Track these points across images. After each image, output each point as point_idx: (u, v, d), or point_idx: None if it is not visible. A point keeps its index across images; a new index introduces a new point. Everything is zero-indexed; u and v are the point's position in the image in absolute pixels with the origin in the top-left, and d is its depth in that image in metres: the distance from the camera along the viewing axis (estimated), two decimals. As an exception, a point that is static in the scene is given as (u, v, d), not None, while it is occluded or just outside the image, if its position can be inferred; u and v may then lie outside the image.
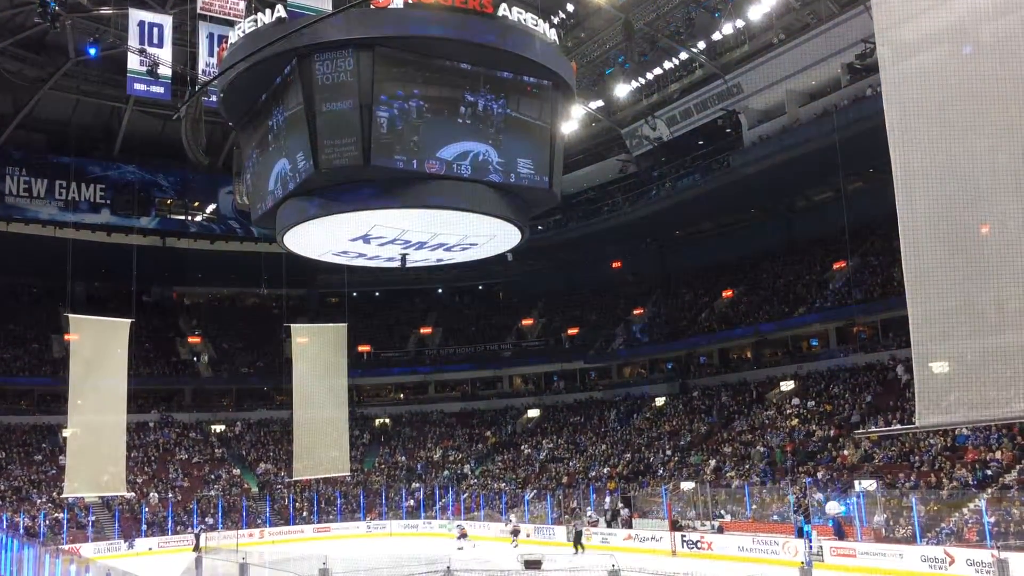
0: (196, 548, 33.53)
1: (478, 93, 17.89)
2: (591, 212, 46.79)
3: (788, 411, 35.09)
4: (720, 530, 27.86)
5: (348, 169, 17.47)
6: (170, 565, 31.40)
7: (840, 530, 24.55)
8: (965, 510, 22.84)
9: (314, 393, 31.74)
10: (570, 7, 35.38)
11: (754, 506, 28.73)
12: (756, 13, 32.69)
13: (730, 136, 40.09)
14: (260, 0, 23.98)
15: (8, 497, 37.93)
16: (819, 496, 26.64)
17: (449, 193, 18.08)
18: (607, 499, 34.13)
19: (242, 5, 22.71)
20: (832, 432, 31.71)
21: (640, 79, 39.18)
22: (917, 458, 27.04)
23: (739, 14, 33.49)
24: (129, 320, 29.86)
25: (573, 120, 36.39)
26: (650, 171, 44.48)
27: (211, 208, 48.09)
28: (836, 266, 38.85)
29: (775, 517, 27.88)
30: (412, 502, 42.02)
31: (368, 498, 42.54)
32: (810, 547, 23.44)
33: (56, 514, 36.65)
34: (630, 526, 31.35)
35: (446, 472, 45.25)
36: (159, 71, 23.82)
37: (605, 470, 38.45)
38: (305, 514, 41.23)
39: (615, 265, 52.59)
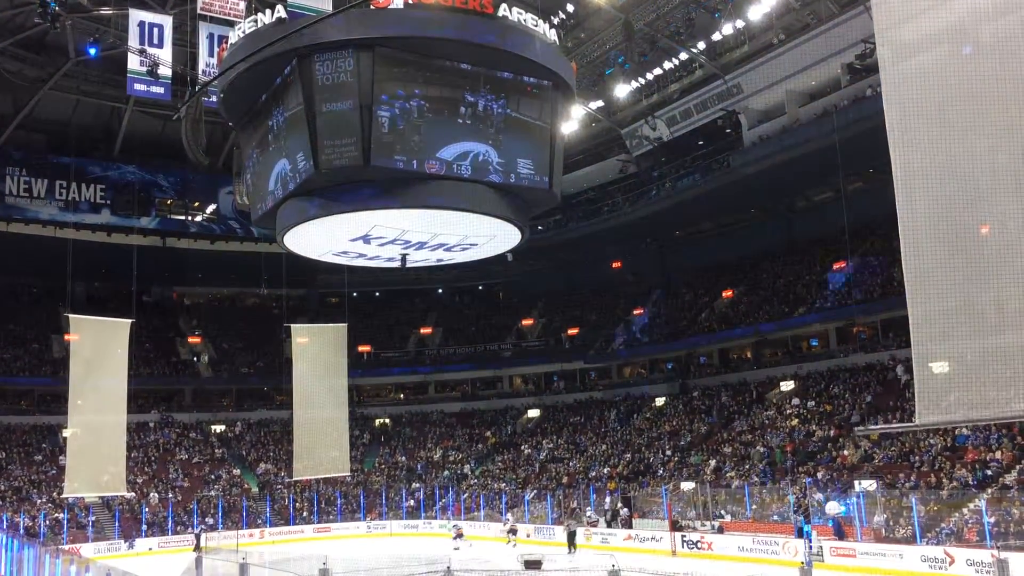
0: (196, 548, 33.52)
1: (478, 93, 17.89)
2: (591, 212, 46.80)
3: (788, 411, 35.10)
4: (720, 530, 27.87)
5: (348, 169, 17.47)
6: (170, 565, 31.41)
7: (840, 530, 24.55)
8: (965, 510, 22.84)
9: (314, 393, 31.74)
10: (570, 7, 35.38)
11: (754, 506, 28.74)
12: (756, 13, 32.69)
13: (730, 136, 40.09)
14: (260, 0, 23.98)
15: (8, 497, 37.94)
16: (819, 496, 26.64)
17: (449, 193, 18.09)
18: (607, 499, 34.13)
19: (242, 5, 22.72)
20: (832, 432, 31.71)
21: (640, 79, 39.18)
22: (917, 458, 27.05)
23: (739, 14, 33.49)
24: (129, 320, 29.86)
25: (573, 120, 36.41)
26: (650, 171, 44.48)
27: (211, 208, 48.10)
28: (836, 266, 38.84)
29: (775, 517, 27.89)
30: (412, 502, 42.03)
31: (368, 498, 42.55)
32: (810, 547, 23.44)
33: (56, 514, 36.65)
34: (630, 526, 31.35)
35: (446, 472, 45.25)
36: (159, 71, 23.81)
37: (605, 470, 38.46)
38: (305, 514, 41.24)
39: (615, 265, 52.59)
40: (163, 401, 49.45)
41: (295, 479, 37.78)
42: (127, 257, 37.61)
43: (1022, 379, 8.66)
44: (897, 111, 9.73)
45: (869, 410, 31.33)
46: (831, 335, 39.09)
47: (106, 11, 30.63)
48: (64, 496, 33.99)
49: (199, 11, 22.50)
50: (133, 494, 38.95)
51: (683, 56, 37.69)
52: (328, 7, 21.32)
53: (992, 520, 21.55)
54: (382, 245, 20.75)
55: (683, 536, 28.25)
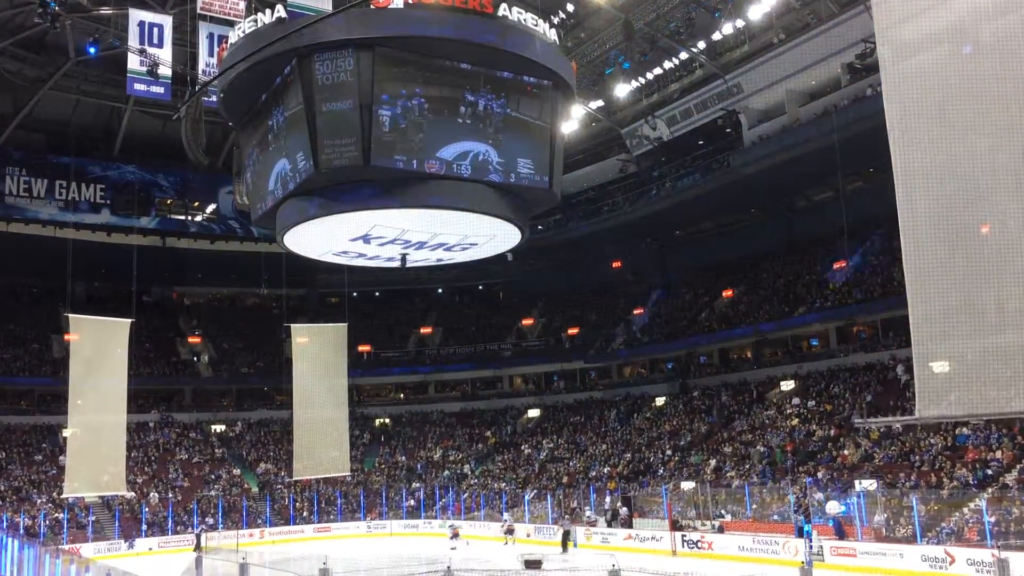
0: (197, 548, 33.51)
1: (478, 93, 17.89)
2: (591, 212, 46.80)
3: (788, 411, 35.09)
4: (720, 530, 27.86)
5: (348, 169, 17.47)
6: (170, 565, 31.40)
7: (841, 530, 24.54)
8: (965, 510, 22.84)
9: (314, 393, 31.75)
10: (570, 7, 35.36)
11: (754, 506, 28.73)
12: (756, 13, 32.66)
13: (730, 136, 40.08)
14: (260, 0, 23.98)
15: (8, 497, 37.93)
16: (819, 496, 26.63)
17: (449, 193, 18.08)
18: (607, 499, 34.13)
19: (242, 5, 22.72)
20: (832, 432, 31.71)
21: (640, 79, 39.16)
22: (917, 458, 27.04)
23: (739, 14, 33.47)
24: (129, 320, 29.86)
25: (573, 120, 36.39)
26: (650, 171, 44.48)
27: (211, 208, 48.09)
28: (836, 266, 38.84)
29: (775, 517, 27.88)
30: (412, 502, 42.02)
31: (368, 498, 42.54)
32: (810, 547, 23.43)
33: (56, 514, 36.65)
34: (630, 526, 31.34)
35: (446, 472, 45.25)
36: (159, 71, 23.82)
37: (605, 470, 38.45)
38: (305, 514, 41.23)
39: (615, 265, 52.57)
40: (163, 401, 49.44)
41: (295, 479, 37.80)
42: (127, 257, 37.60)
43: (1022, 378, 8.66)
44: (898, 110, 9.73)
45: (869, 410, 31.31)
46: (831, 335, 39.09)
47: (106, 11, 30.63)
48: (64, 496, 33.97)
49: (199, 11, 22.50)
50: (133, 494, 38.96)
51: (683, 56, 37.68)
52: (328, 7, 21.33)
53: (992, 520, 21.55)
54: (382, 245, 20.76)
55: (683, 536, 28.25)
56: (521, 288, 56.85)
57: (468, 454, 47.04)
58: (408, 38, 17.20)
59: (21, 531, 33.47)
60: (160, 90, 24.21)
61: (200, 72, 23.40)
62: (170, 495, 40.18)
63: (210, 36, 23.27)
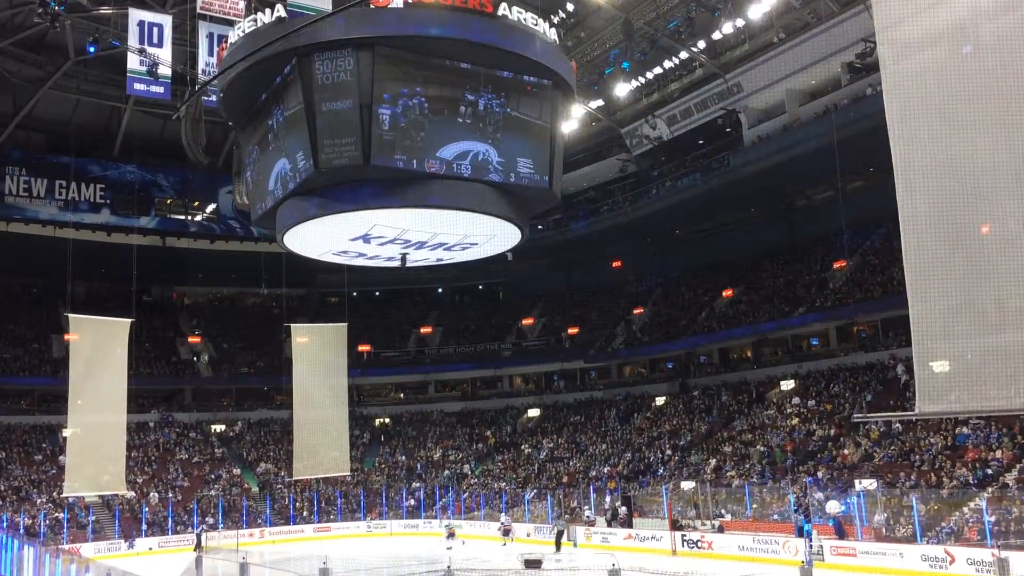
0: (197, 547, 33.51)
1: (478, 92, 17.90)
2: (591, 211, 46.80)
3: (788, 410, 35.09)
4: (720, 529, 27.86)
5: (348, 169, 17.48)
6: (170, 565, 31.40)
7: (841, 529, 24.54)
8: (965, 509, 22.83)
9: (314, 393, 31.74)
10: (570, 6, 35.36)
11: (754, 505, 28.73)
12: (756, 12, 32.65)
13: (730, 135, 40.07)
14: (260, 0, 23.98)
15: (8, 497, 37.93)
16: (819, 495, 26.62)
17: (449, 193, 18.09)
18: (607, 499, 34.13)
19: (242, 5, 22.72)
20: (832, 431, 31.71)
21: (640, 78, 39.15)
22: (917, 457, 27.04)
23: (739, 13, 33.45)
24: (129, 320, 29.85)
25: (573, 119, 36.38)
26: (650, 170, 44.47)
27: (211, 208, 48.10)
28: (836, 265, 38.84)
29: (775, 516, 27.88)
30: (412, 502, 42.03)
31: (368, 498, 42.54)
32: (810, 546, 23.42)
33: (56, 514, 36.65)
34: (629, 525, 31.34)
35: (446, 472, 45.25)
36: (159, 71, 23.82)
37: (605, 470, 38.45)
38: (305, 514, 41.23)
39: (615, 264, 52.56)
40: (163, 401, 49.45)
41: (295, 479, 37.81)
42: (127, 257, 37.60)
43: (1023, 376, 8.66)
44: (898, 109, 9.73)
45: (870, 409, 31.29)
46: (831, 334, 39.09)
47: (106, 10, 30.65)
48: (64, 495, 33.97)
49: (199, 10, 22.51)
50: (133, 494, 38.97)
51: (683, 55, 37.66)
52: (328, 6, 21.32)
53: (992, 519, 21.54)
54: (382, 244, 20.76)
55: (683, 535, 28.25)
56: (521, 288, 56.84)
57: (468, 454, 47.05)
58: (408, 38, 17.21)
59: (21, 531, 33.48)
60: (160, 90, 24.22)
61: (200, 72, 23.41)
62: (170, 495, 40.19)
63: (210, 36, 23.27)
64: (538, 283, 55.58)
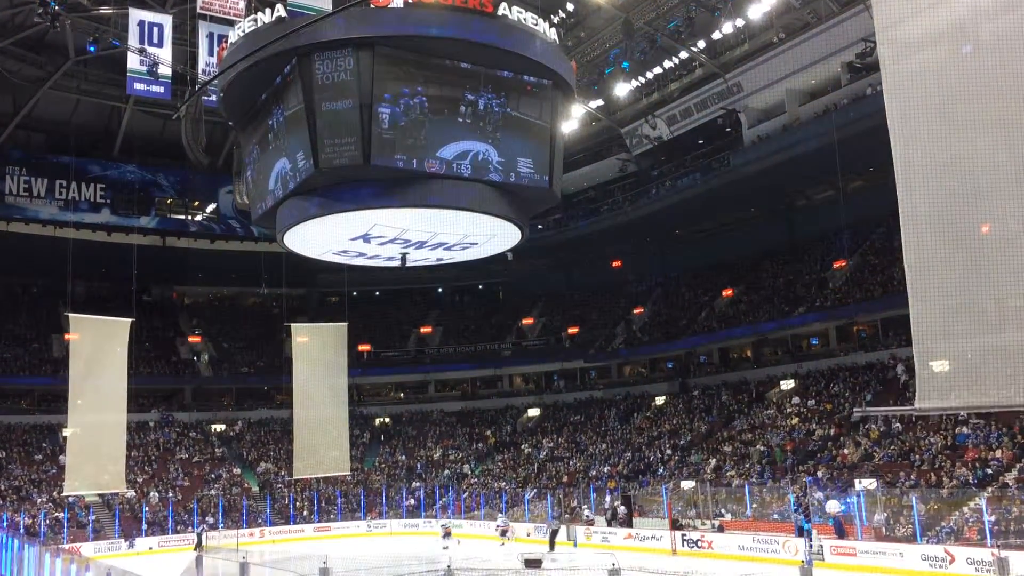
0: (198, 547, 33.51)
1: (478, 92, 17.92)
2: (591, 211, 46.82)
3: (788, 410, 35.10)
4: (720, 529, 27.86)
5: (348, 168, 17.50)
6: (170, 564, 31.40)
7: (841, 529, 24.54)
8: (965, 509, 22.83)
9: (314, 392, 31.74)
10: (570, 6, 35.37)
11: (754, 505, 28.73)
12: (756, 12, 32.66)
13: (730, 135, 40.08)
14: (260, 0, 23.99)
15: (8, 497, 37.94)
16: (819, 495, 26.63)
17: (449, 192, 18.11)
18: (607, 498, 34.14)
19: (242, 4, 22.74)
20: (832, 431, 31.72)
21: (640, 78, 39.16)
22: (917, 457, 27.05)
23: (739, 13, 33.46)
24: (129, 319, 29.85)
25: (573, 119, 36.38)
26: (650, 170, 44.48)
27: (211, 208, 48.12)
28: (836, 265, 38.86)
29: (775, 516, 27.88)
30: (412, 501, 42.04)
31: (368, 497, 42.55)
32: (810, 546, 23.42)
33: (56, 513, 36.66)
34: (629, 525, 31.34)
35: (446, 471, 45.25)
36: (159, 71, 23.84)
37: (605, 469, 38.46)
38: (305, 513, 41.24)
39: (615, 264, 52.57)
40: (163, 400, 49.46)
41: (295, 478, 37.80)
42: (127, 256, 37.62)
43: (1023, 375, 8.68)
44: (898, 109, 9.74)
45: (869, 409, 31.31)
46: (831, 334, 39.10)
47: (106, 10, 30.68)
48: (64, 495, 33.96)
49: (199, 10, 22.53)
50: (133, 493, 38.99)
51: (683, 55, 37.67)
52: (328, 6, 21.34)
53: (992, 519, 21.54)
54: (382, 244, 20.78)
55: (683, 535, 28.25)
56: (521, 287, 56.85)
57: (468, 453, 47.05)
58: (408, 37, 17.22)
59: (21, 530, 33.47)
60: (160, 90, 24.24)
61: (200, 72, 23.43)
62: (170, 494, 40.19)
63: (210, 35, 23.29)
64: (538, 283, 55.59)
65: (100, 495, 37.83)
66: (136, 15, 24.10)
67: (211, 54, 22.92)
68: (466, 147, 17.99)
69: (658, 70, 38.90)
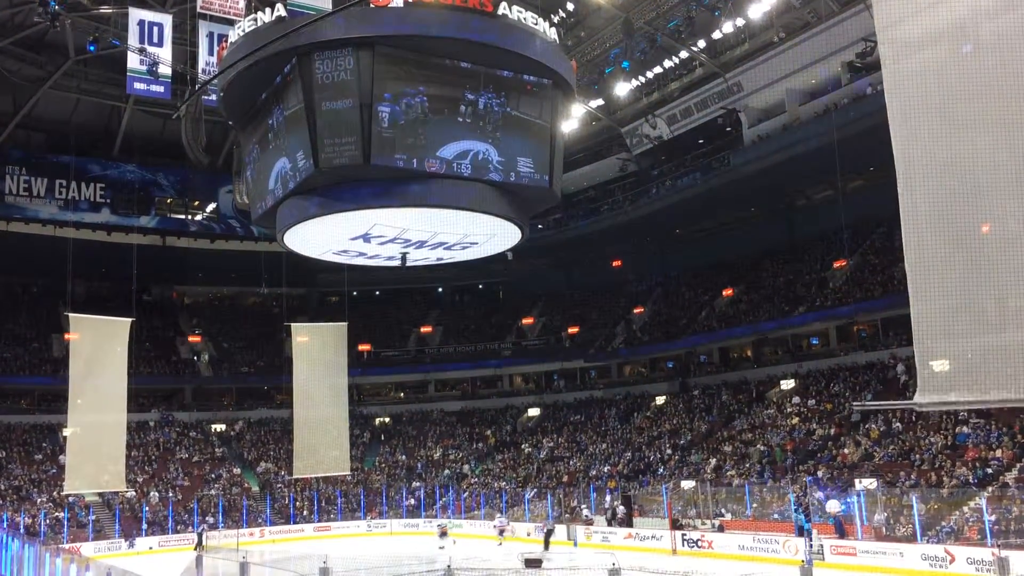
0: (199, 546, 33.51)
1: (478, 92, 17.91)
2: (591, 211, 46.81)
3: (788, 410, 35.10)
4: (720, 529, 27.87)
5: (348, 168, 17.50)
6: (171, 564, 31.40)
7: (841, 528, 24.54)
8: (965, 508, 22.83)
9: (314, 392, 31.74)
10: (570, 5, 35.37)
11: (755, 505, 28.73)
12: (756, 12, 32.67)
13: (730, 135, 40.07)
14: (260, -1, 24.00)
15: (8, 496, 37.94)
16: (819, 495, 26.63)
17: (449, 192, 18.11)
18: (607, 498, 34.14)
19: (242, 4, 22.74)
20: (832, 431, 31.71)
21: (640, 78, 39.15)
22: (917, 456, 27.04)
23: (739, 12, 33.47)
24: (129, 319, 29.86)
25: (573, 119, 36.37)
26: (650, 170, 44.47)
27: (211, 207, 48.13)
28: (836, 264, 38.85)
29: (775, 516, 27.88)
30: (412, 501, 42.04)
31: (368, 497, 42.55)
32: (810, 546, 23.43)
33: (56, 513, 36.66)
34: (629, 525, 31.35)
35: (446, 471, 45.25)
36: (159, 70, 23.83)
37: (605, 469, 38.45)
38: (306, 513, 41.24)
39: (615, 264, 52.57)
40: (163, 400, 49.46)
41: (295, 478, 37.80)
42: (127, 256, 37.61)
43: (1023, 375, 8.67)
44: (899, 108, 9.72)
45: (869, 408, 31.31)
46: (831, 334, 39.09)
47: (106, 10, 30.69)
48: (64, 494, 33.93)
49: (199, 10, 22.53)
50: (133, 493, 38.98)
51: (683, 54, 37.66)
52: (328, 5, 21.32)
53: (992, 518, 21.54)
54: (382, 244, 20.78)
55: (683, 535, 28.25)
56: (521, 287, 56.86)
57: (468, 453, 47.05)
58: (408, 37, 17.22)
59: (21, 530, 33.46)
60: (160, 89, 24.24)
61: (200, 71, 23.43)
62: (170, 494, 40.20)
63: (210, 35, 23.30)
64: (538, 282, 55.58)
65: (100, 495, 37.84)
66: (136, 14, 24.09)
67: (211, 53, 22.93)
68: (466, 147, 17.98)
69: (658, 69, 38.89)
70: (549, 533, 31.02)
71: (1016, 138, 8.97)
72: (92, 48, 29.30)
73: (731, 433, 36.09)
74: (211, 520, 38.20)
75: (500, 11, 17.55)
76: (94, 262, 44.97)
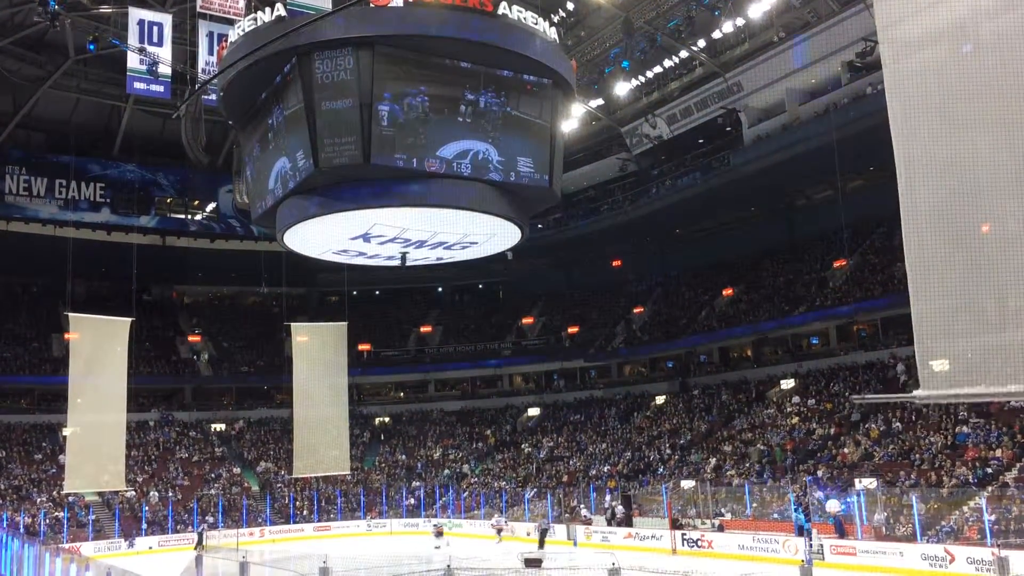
0: (199, 546, 33.51)
1: (479, 91, 17.91)
2: (591, 210, 46.81)
3: (788, 409, 35.10)
4: (720, 528, 27.86)
5: (348, 168, 17.50)
6: (170, 564, 31.40)
7: (841, 528, 24.55)
8: (965, 508, 22.84)
9: (314, 392, 31.75)
10: (570, 5, 35.35)
11: (754, 504, 28.73)
12: (756, 11, 32.66)
13: (730, 134, 40.07)
14: (260, -2, 23.99)
15: (8, 496, 37.94)
16: (819, 494, 26.63)
17: (449, 192, 18.12)
18: (607, 498, 34.14)
19: (242, 3, 22.74)
20: (832, 430, 31.72)
21: (640, 77, 39.15)
22: (917, 456, 27.05)
23: (739, 12, 33.45)
24: (129, 319, 29.86)
25: (573, 118, 36.36)
26: (650, 169, 44.47)
27: (211, 207, 48.13)
28: (836, 264, 38.86)
29: (775, 515, 27.88)
30: (412, 501, 42.05)
31: (368, 497, 42.56)
32: (810, 545, 23.43)
33: (56, 513, 36.66)
34: (629, 524, 31.35)
35: (446, 471, 45.26)
36: (159, 70, 23.83)
37: (605, 469, 38.46)
38: (305, 513, 41.24)
39: (615, 263, 52.57)
40: (163, 400, 49.45)
41: (295, 477, 37.79)
42: (127, 256, 37.60)
43: (1023, 374, 8.69)
44: (900, 107, 9.73)
45: (869, 407, 31.32)
46: (831, 333, 39.10)
47: (106, 9, 30.69)
48: (64, 493, 33.90)
49: (199, 9, 22.52)
50: (133, 492, 38.98)
51: (683, 54, 37.65)
52: (328, 5, 21.32)
53: (992, 518, 21.55)
54: (382, 243, 20.78)
55: (683, 534, 28.25)
56: (521, 287, 56.86)
57: (468, 453, 47.05)
58: (408, 37, 17.22)
59: (21, 530, 33.46)
60: (160, 89, 24.24)
61: (200, 71, 23.44)
62: (170, 494, 40.20)
63: (210, 35, 23.30)
64: (538, 282, 55.59)
65: (100, 494, 37.86)
66: (136, 14, 24.09)
67: (211, 53, 22.93)
68: (466, 146, 17.99)
69: (658, 69, 38.87)
70: (544, 532, 31.00)
71: (1016, 138, 8.97)
72: (92, 48, 29.28)
73: (731, 433, 36.09)
74: (211, 520, 38.19)
75: (500, 11, 17.55)
76: (94, 262, 44.97)
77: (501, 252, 23.30)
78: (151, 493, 39.94)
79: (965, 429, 26.97)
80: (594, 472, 38.65)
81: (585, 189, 47.69)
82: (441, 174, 17.69)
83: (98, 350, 29.27)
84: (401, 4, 17.05)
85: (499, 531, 33.98)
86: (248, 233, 47.26)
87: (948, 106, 9.37)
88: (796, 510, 26.21)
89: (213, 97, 21.61)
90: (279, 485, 43.11)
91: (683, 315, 46.04)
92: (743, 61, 36.49)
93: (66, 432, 31.65)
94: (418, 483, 43.88)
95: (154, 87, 24.13)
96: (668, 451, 37.56)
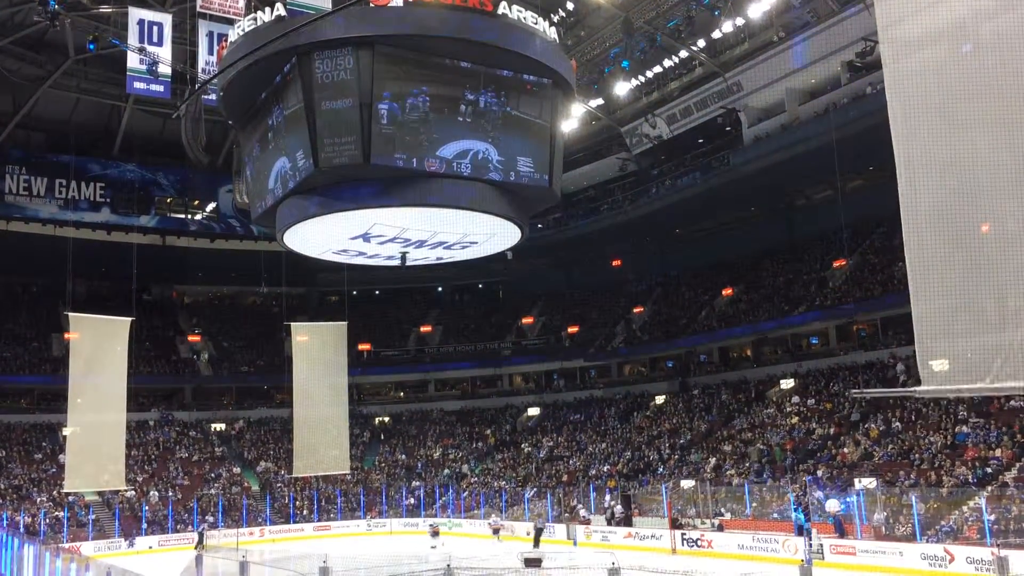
0: (199, 545, 33.52)
1: (478, 91, 17.92)
2: (591, 210, 46.81)
3: (788, 409, 35.11)
4: (720, 528, 27.87)
5: (348, 167, 17.50)
6: (170, 563, 31.40)
7: (841, 528, 24.55)
8: (965, 508, 22.84)
9: (314, 391, 31.76)
10: (570, 5, 35.35)
11: (754, 504, 28.74)
12: (756, 11, 32.66)
13: (730, 134, 40.07)
14: (260, -2, 23.99)
15: (8, 495, 37.94)
16: (819, 494, 26.64)
17: (449, 191, 18.12)
18: (607, 497, 34.14)
19: (242, 3, 22.74)
20: (832, 430, 31.72)
21: (640, 77, 39.15)
22: (917, 456, 27.05)
23: (739, 12, 33.45)
24: (129, 319, 29.87)
25: (573, 118, 36.36)
26: (650, 169, 44.48)
27: (211, 207, 48.13)
28: (836, 264, 38.86)
29: (775, 515, 27.88)
30: (412, 500, 42.05)
31: (368, 496, 42.56)
32: (810, 545, 23.44)
33: (56, 512, 36.66)
34: (628, 524, 31.35)
35: (446, 471, 45.26)
36: (159, 69, 23.83)
37: (605, 468, 38.46)
38: (305, 512, 41.25)
39: (615, 263, 52.57)
40: (163, 399, 49.45)
41: (295, 477, 37.79)
42: (127, 255, 37.60)
43: (1022, 374, 8.70)
44: (900, 107, 9.74)
45: (870, 407, 31.33)
46: (831, 333, 39.11)
47: (106, 9, 30.67)
48: (64, 492, 33.89)
49: (199, 9, 22.52)
50: (133, 492, 38.98)
51: (683, 54, 37.65)
52: (328, 5, 21.32)
53: (992, 518, 21.55)
54: (382, 243, 20.78)
55: (683, 534, 28.26)
56: (521, 286, 56.86)
57: (468, 453, 47.06)
58: (408, 36, 17.22)
59: (21, 529, 33.47)
60: (160, 88, 24.24)
61: (200, 70, 23.44)
62: (170, 494, 40.20)
63: (210, 34, 23.30)
64: (538, 282, 55.59)
65: (100, 494, 37.86)
66: (136, 14, 24.09)
67: (211, 53, 22.93)
68: (466, 146, 17.99)
69: (658, 69, 38.87)
70: (539, 532, 30.98)
71: (1016, 138, 8.98)
72: (92, 47, 29.27)
73: (731, 432, 36.10)
74: (211, 519, 38.20)
75: (500, 11, 17.55)
76: (94, 262, 44.97)
77: (501, 252, 23.30)
78: (151, 493, 39.95)
79: (965, 429, 26.97)
80: (594, 472, 38.66)
81: (585, 189, 47.69)
82: (441, 174, 17.69)
83: (98, 350, 29.29)
84: (401, 4, 17.05)
85: (496, 531, 33.98)
86: (248, 233, 47.27)
87: (948, 106, 9.38)
88: (796, 510, 26.22)
89: (213, 97, 21.61)
90: (279, 485, 43.11)
91: (683, 315, 46.05)
92: (743, 61, 36.49)
93: (66, 432, 31.65)
94: (418, 483, 43.88)
95: (154, 87, 24.14)
96: (668, 451, 37.56)
